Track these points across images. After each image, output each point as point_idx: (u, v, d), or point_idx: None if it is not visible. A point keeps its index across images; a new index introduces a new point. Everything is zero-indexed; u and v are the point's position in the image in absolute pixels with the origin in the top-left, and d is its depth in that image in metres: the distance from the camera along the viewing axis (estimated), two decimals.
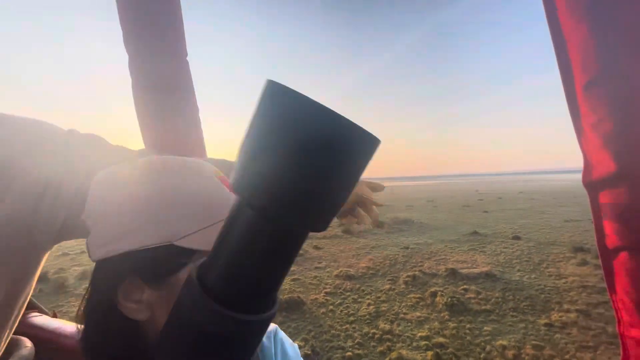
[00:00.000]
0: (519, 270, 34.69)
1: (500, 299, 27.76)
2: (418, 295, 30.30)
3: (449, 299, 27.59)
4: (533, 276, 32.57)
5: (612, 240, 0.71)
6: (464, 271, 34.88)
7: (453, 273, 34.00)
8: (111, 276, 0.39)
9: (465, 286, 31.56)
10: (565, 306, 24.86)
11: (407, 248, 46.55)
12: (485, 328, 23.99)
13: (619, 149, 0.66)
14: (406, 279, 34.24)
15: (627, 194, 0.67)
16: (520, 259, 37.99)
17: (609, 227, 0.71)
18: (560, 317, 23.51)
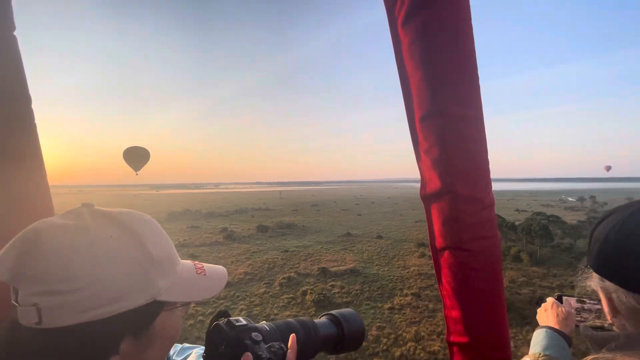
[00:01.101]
0: (377, 265, 40.39)
1: (359, 291, 31.85)
2: (290, 296, 31.84)
3: (317, 296, 30.00)
4: (386, 269, 38.39)
5: (439, 242, 0.89)
6: (334, 269, 38.44)
7: (324, 272, 37.02)
8: (107, 337, 0.42)
9: (333, 282, 34.88)
10: (405, 291, 30.26)
11: (287, 251, 48.10)
12: None
13: (443, 170, 0.84)
14: (282, 281, 35.48)
15: (449, 206, 0.84)
16: (379, 255, 44.23)
17: (437, 231, 0.89)
18: (400, 300, 28.58)
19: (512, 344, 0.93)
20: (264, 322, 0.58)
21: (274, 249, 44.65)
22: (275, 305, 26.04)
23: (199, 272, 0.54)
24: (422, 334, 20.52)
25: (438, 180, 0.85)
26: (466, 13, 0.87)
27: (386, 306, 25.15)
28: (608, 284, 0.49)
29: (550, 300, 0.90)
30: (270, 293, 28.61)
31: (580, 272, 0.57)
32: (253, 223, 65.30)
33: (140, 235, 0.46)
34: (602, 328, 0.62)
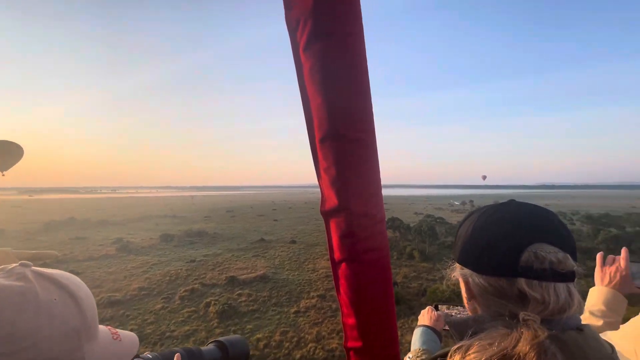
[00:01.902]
0: (287, 270, 40.43)
1: (267, 297, 31.29)
2: (192, 309, 29.54)
3: (222, 307, 28.40)
4: (296, 273, 38.75)
5: (337, 255, 0.95)
6: (243, 277, 37.07)
7: (232, 280, 35.36)
8: None
9: (240, 291, 33.53)
10: (312, 294, 30.89)
11: (194, 261, 44.62)
12: (248, 326, 26.26)
13: (340, 188, 0.91)
14: (183, 294, 32.68)
15: (345, 221, 0.91)
16: (291, 259, 44.39)
17: (335, 245, 0.95)
18: (306, 303, 29.00)
19: (399, 333, 1.07)
20: (148, 352, 0.59)
21: (178, 260, 41.08)
22: (173, 322, 23.89)
23: (114, 337, 0.56)
24: (323, 333, 21.45)
25: (335, 197, 0.92)
26: (361, 44, 0.94)
27: (292, 310, 25.51)
28: (466, 270, 0.59)
29: (428, 307, 1.15)
30: (169, 308, 26.15)
31: (449, 264, 0.66)
32: (156, 232, 58.92)
33: (78, 298, 0.48)
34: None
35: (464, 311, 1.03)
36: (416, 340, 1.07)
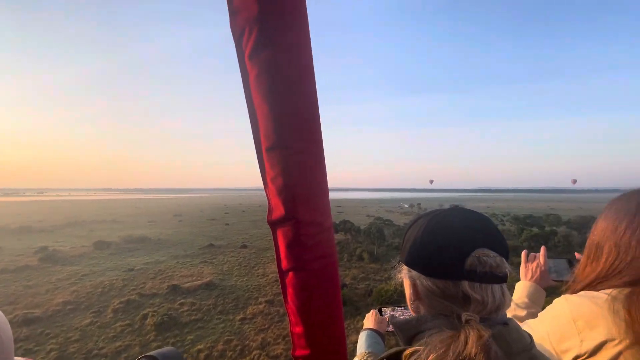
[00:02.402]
0: (236, 276, 39.07)
1: (212, 305, 29.88)
2: (126, 322, 27.22)
3: (161, 318, 26.55)
4: (245, 279, 37.57)
5: (284, 264, 0.95)
6: (187, 285, 35.09)
7: (174, 289, 33.30)
8: None
9: (183, 300, 31.65)
10: (260, 299, 30.18)
11: (132, 270, 41.32)
12: (189, 337, 24.82)
13: (286, 198, 0.90)
14: (117, 307, 30.06)
15: (292, 230, 0.91)
16: (241, 265, 43.01)
17: (282, 254, 0.95)
18: (253, 309, 28.20)
19: (345, 333, 1.06)
20: None
21: (114, 269, 37.65)
22: (103, 338, 21.75)
23: None
24: (269, 339, 21.09)
25: (282, 207, 0.90)
26: (308, 54, 0.91)
27: (238, 317, 24.72)
28: (414, 272, 0.61)
29: (372, 311, 1.15)
30: (99, 323, 23.77)
31: (395, 266, 0.67)
32: (90, 239, 53.48)
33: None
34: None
35: (408, 312, 1.07)
36: (362, 344, 1.07)
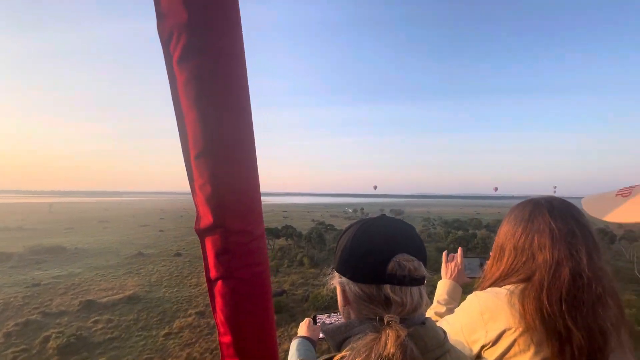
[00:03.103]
0: (165, 287, 36.12)
1: (132, 321, 27.08)
2: (21, 348, 23.42)
3: (66, 339, 23.30)
4: (176, 290, 34.94)
5: (213, 273, 0.93)
6: (104, 300, 31.50)
7: (88, 305, 29.61)
8: None
9: (97, 317, 28.25)
10: (189, 311, 28.19)
11: (38, 285, 36.00)
12: (100, 359, 21.92)
13: (215, 206, 0.88)
14: (11, 330, 25.79)
15: (220, 239, 0.90)
16: (172, 275, 39.93)
17: (211, 263, 0.93)
18: (181, 323, 26.17)
19: (277, 341, 1.04)
20: None
21: (15, 285, 32.23)
22: None
23: None
24: (195, 354, 19.72)
25: (210, 215, 0.88)
26: (240, 62, 0.88)
27: (162, 333, 22.74)
28: (344, 279, 0.64)
29: (306, 319, 1.17)
30: None
31: (329, 273, 0.70)
32: None
33: None
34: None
35: (340, 317, 1.07)
36: (293, 352, 1.08)
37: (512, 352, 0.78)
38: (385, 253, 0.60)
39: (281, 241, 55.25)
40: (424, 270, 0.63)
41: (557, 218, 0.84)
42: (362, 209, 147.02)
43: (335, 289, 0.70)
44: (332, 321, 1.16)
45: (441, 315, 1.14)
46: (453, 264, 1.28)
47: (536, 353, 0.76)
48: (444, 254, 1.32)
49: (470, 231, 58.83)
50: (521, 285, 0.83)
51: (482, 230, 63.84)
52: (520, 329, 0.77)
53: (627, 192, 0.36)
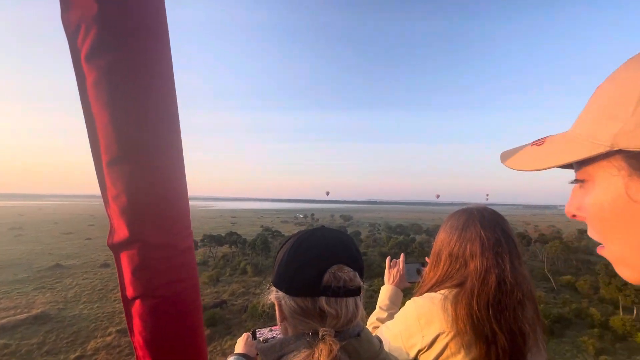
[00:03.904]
0: (84, 303, 32.15)
1: (36, 345, 23.34)
2: None
3: None
4: (97, 305, 31.22)
5: (130, 291, 0.85)
6: (3, 321, 26.94)
7: None
8: None
9: None
10: (109, 329, 25.11)
11: None
12: None
13: (132, 218, 0.80)
14: None
15: (138, 254, 0.82)
16: (94, 288, 35.70)
17: (127, 280, 0.84)
18: (97, 343, 23.07)
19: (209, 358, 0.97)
20: None
21: None
22: None
23: None
24: None
25: (126, 228, 0.80)
26: (163, 59, 0.78)
27: (72, 356, 20.06)
28: (280, 293, 0.62)
29: (245, 334, 1.11)
30: None
31: (267, 287, 0.68)
32: None
33: None
34: (267, 340, 0.84)
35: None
36: None
37: (444, 355, 0.83)
38: (321, 265, 0.59)
39: (224, 249, 53.19)
40: (359, 281, 0.62)
41: (486, 228, 0.90)
42: (312, 214, 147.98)
43: (272, 304, 0.67)
44: (274, 335, 1.07)
45: (383, 321, 1.14)
46: (395, 269, 1.30)
47: (466, 355, 0.81)
48: (387, 260, 1.34)
49: (411, 236, 62.11)
50: (454, 291, 0.87)
51: (422, 235, 67.86)
52: (452, 333, 0.82)
53: (540, 141, 0.39)
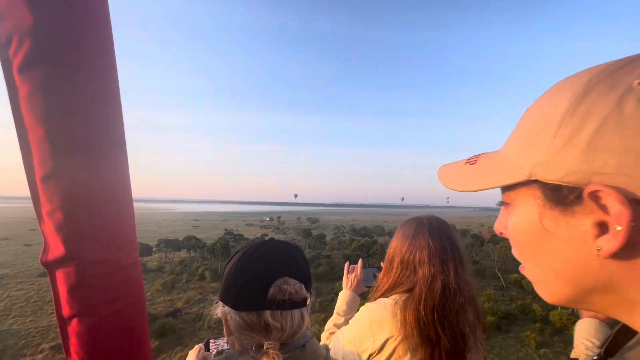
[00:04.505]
0: (16, 316, 28.68)
1: None
2: None
3: None
4: (29, 319, 27.94)
5: (66, 310, 0.82)
6: None
7: None
8: None
9: None
10: (42, 346, 22.38)
11: None
12: None
13: (68, 235, 0.78)
14: None
15: (76, 272, 0.79)
16: (29, 300, 32.15)
17: (63, 299, 0.81)
18: None
19: None
20: None
21: None
22: None
23: None
24: None
25: (62, 245, 0.76)
26: (109, 69, 0.76)
27: None
28: (226, 308, 0.63)
29: (197, 346, 1.09)
30: None
31: (215, 301, 0.68)
32: None
33: None
34: (222, 352, 0.89)
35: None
36: None
37: (393, 358, 0.88)
38: (266, 279, 0.60)
39: (182, 253, 50.73)
40: (305, 293, 0.63)
41: (434, 236, 0.96)
42: (279, 217, 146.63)
43: (217, 318, 0.67)
44: (227, 347, 1.00)
45: (339, 326, 1.16)
46: (353, 275, 1.32)
47: (412, 357, 0.87)
48: (346, 265, 1.35)
49: (374, 238, 63.38)
50: (404, 296, 0.92)
51: (384, 236, 69.51)
52: (400, 337, 0.87)
53: (474, 160, 0.40)
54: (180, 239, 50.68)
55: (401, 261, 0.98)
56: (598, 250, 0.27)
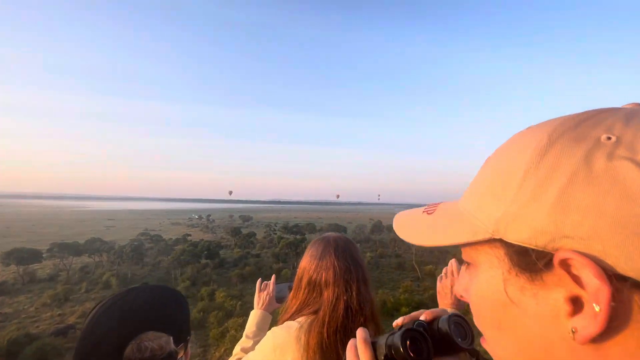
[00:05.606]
0: None
1: None
2: None
3: None
4: None
5: None
6: None
7: None
8: None
9: None
10: None
11: None
12: None
13: None
14: None
15: None
16: None
17: None
18: None
19: None
20: None
21: None
22: None
23: None
24: None
25: None
26: None
27: None
28: None
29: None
30: None
31: None
32: None
33: None
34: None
35: None
36: None
37: None
38: (121, 338, 0.53)
39: (84, 258, 43.70)
40: (171, 346, 0.57)
41: (339, 257, 0.97)
42: (209, 215, 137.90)
43: None
44: None
45: (247, 351, 1.12)
46: (265, 292, 1.27)
47: None
48: (258, 283, 1.29)
49: (305, 235, 63.55)
50: (310, 318, 0.91)
51: (315, 234, 70.26)
52: None
53: (432, 209, 0.36)
54: (80, 242, 43.64)
55: (309, 282, 0.97)
56: (573, 332, 0.23)
